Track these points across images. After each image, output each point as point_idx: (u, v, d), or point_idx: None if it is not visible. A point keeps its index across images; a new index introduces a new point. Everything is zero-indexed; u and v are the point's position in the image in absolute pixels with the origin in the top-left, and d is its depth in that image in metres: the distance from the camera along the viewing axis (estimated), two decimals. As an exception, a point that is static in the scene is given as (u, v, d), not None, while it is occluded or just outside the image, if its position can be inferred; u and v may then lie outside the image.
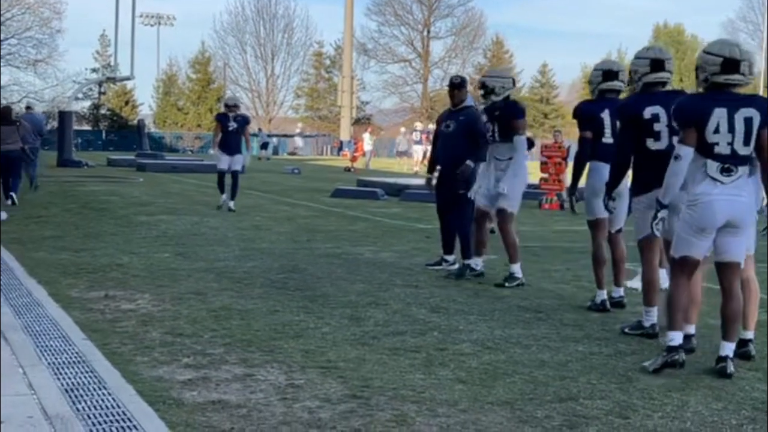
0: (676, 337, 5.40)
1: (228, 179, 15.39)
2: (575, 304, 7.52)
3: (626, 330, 6.45)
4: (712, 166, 5.29)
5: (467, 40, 74.76)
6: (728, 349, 5.38)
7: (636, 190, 6.33)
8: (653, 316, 6.38)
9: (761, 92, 69.75)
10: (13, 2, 58.91)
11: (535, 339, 6.15)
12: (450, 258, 9.27)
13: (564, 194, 18.70)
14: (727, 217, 5.29)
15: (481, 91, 8.68)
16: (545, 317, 6.92)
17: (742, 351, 5.68)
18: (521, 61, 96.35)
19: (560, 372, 5.29)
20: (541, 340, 6.13)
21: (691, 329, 5.83)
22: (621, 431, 4.27)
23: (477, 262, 8.82)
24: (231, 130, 15.37)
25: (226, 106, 15.87)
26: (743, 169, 5.32)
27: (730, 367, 5.30)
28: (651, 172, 5.98)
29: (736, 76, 5.33)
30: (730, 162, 5.28)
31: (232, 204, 15.19)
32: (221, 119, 15.58)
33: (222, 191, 15.50)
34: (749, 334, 5.81)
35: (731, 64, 5.31)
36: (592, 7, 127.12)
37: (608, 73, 7.36)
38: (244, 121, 15.76)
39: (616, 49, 75.42)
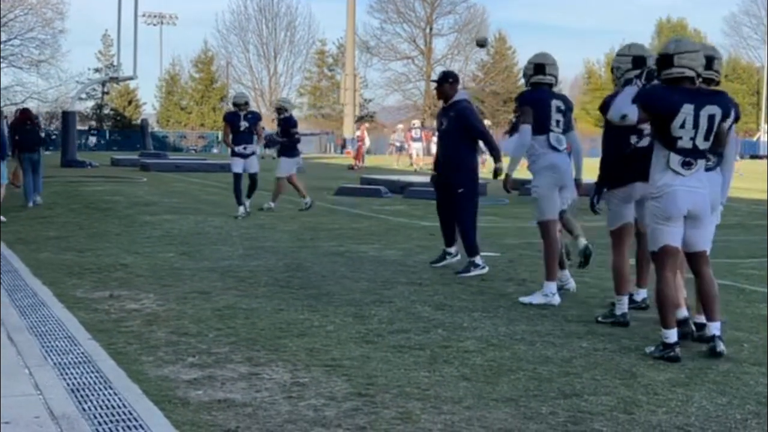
0: (671, 335, 5.57)
1: (245, 181, 14.49)
2: (579, 300, 7.53)
3: (599, 318, 6.62)
4: (674, 159, 5.54)
5: (470, 36, 74.59)
6: (714, 328, 5.63)
7: (613, 184, 6.51)
8: (624, 304, 6.55)
9: (764, 85, 69.68)
10: (16, 3, 58.97)
11: (539, 335, 6.16)
12: (452, 249, 9.28)
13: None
14: (688, 206, 5.56)
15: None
16: (549, 314, 6.93)
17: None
18: (524, 58, 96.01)
19: (564, 368, 5.30)
20: (545, 336, 6.14)
21: (684, 312, 5.91)
22: (625, 427, 4.28)
23: (480, 261, 8.84)
24: (243, 129, 14.38)
25: (236, 104, 14.75)
26: (701, 162, 5.58)
27: (720, 346, 5.54)
28: (630, 168, 6.32)
29: (674, 70, 5.56)
30: (691, 156, 5.54)
31: (247, 203, 14.44)
32: (231, 119, 14.50)
33: (239, 200, 14.28)
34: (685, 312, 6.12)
35: (666, 60, 5.59)
36: (595, 2, 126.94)
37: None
38: (255, 117, 14.76)
39: (619, 45, 75.35)
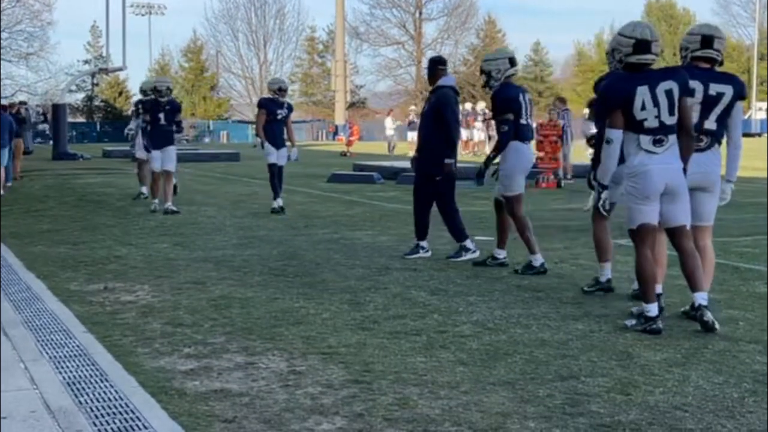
0: (652, 309, 5.72)
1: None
2: (574, 282, 7.53)
3: (585, 288, 6.94)
4: (645, 140, 5.66)
5: (459, 20, 74.55)
6: (700, 298, 5.74)
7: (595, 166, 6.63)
8: (608, 271, 6.98)
9: (754, 63, 69.67)
10: (3, -4, 58.67)
11: (534, 318, 6.17)
12: (424, 243, 8.92)
13: (560, 172, 18.76)
14: (664, 182, 5.67)
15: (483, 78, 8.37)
16: (544, 296, 6.93)
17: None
18: (514, 40, 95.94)
19: (561, 350, 5.31)
20: (541, 319, 6.15)
21: (658, 288, 5.99)
22: (623, 408, 4.28)
23: (471, 245, 8.82)
24: (280, 118, 13.12)
25: (279, 90, 13.20)
26: (673, 138, 5.69)
27: (707, 315, 5.66)
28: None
29: (649, 56, 5.70)
30: (661, 133, 5.66)
31: (281, 202, 13.25)
32: (268, 105, 13.09)
33: (276, 192, 13.21)
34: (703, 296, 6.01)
35: (643, 45, 5.67)
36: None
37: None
38: (290, 108, 13.51)
39: (609, 26, 75.33)
